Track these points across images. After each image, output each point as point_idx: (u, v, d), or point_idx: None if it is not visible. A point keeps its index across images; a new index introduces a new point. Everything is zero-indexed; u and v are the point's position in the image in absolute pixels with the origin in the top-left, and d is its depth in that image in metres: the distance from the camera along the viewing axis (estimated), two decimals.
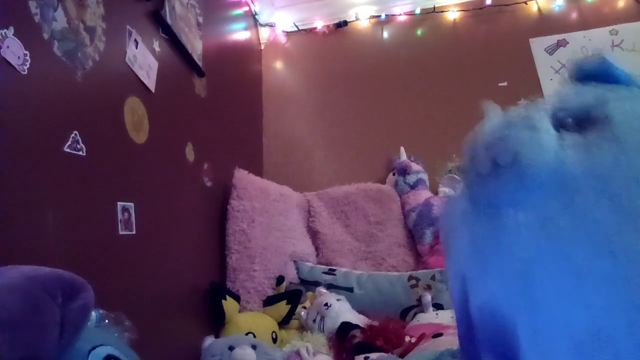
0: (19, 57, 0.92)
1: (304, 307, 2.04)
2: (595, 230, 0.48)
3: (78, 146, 1.08)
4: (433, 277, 2.04)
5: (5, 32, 0.89)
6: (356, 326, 1.75)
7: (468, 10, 2.94)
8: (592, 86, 0.60)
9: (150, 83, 1.48)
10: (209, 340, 1.60)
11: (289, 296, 1.96)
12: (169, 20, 1.63)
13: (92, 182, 1.13)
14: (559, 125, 0.57)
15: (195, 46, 1.87)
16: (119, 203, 1.23)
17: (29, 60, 0.95)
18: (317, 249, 2.50)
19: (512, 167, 0.55)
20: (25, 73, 0.94)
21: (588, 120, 0.54)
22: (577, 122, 0.55)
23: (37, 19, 0.98)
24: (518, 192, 0.54)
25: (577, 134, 0.55)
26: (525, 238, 0.52)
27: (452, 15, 2.97)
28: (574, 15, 2.84)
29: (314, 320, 1.92)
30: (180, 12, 1.74)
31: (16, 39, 0.91)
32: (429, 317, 1.83)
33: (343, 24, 3.08)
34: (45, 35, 1.01)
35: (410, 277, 2.08)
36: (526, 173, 0.54)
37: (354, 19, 3.09)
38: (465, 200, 0.63)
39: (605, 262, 0.47)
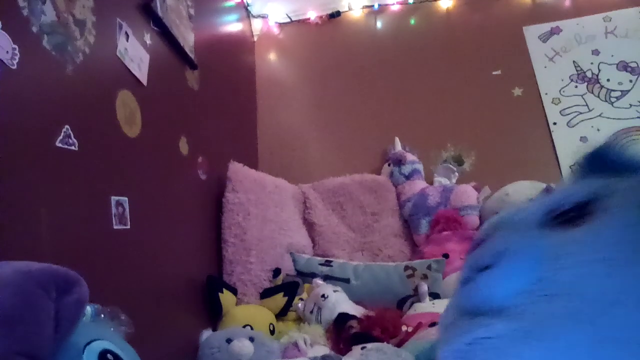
0: (7, 52, 0.91)
1: (301, 299, 2.04)
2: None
3: (70, 141, 1.07)
4: (429, 267, 2.04)
5: None
6: (353, 317, 1.76)
7: None
8: (596, 178, 0.55)
9: (142, 76, 1.47)
10: (207, 334, 1.60)
11: (286, 288, 1.97)
12: (159, 13, 1.61)
13: (85, 177, 1.12)
14: (551, 221, 0.52)
15: (187, 38, 1.86)
16: (112, 197, 1.23)
17: (18, 55, 0.94)
18: (313, 240, 2.50)
19: (493, 270, 0.50)
20: (15, 68, 0.93)
21: (584, 214, 0.49)
22: (571, 218, 0.50)
23: (25, 12, 0.97)
24: (501, 295, 0.49)
25: (570, 226, 0.50)
26: (504, 352, 0.47)
27: (446, 3, 2.95)
28: (567, 2, 2.83)
29: (311, 312, 1.92)
30: (171, 4, 1.73)
31: (4, 33, 0.90)
32: (426, 306, 1.84)
33: (336, 14, 3.07)
34: (34, 29, 1.00)
35: (407, 267, 2.08)
36: (510, 275, 0.49)
37: (347, 9, 3.07)
38: (455, 310, 0.57)
39: None
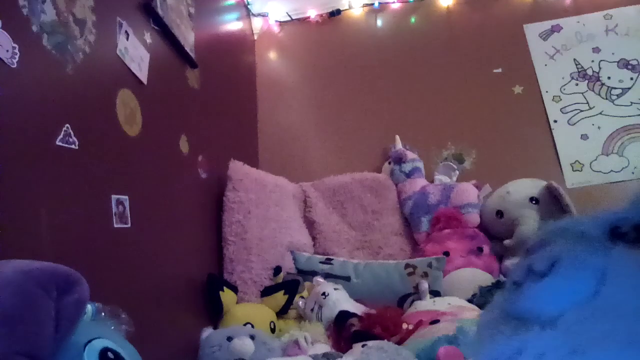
0: (7, 51, 0.91)
1: (302, 297, 2.04)
2: None
3: (70, 139, 1.08)
4: (430, 265, 2.05)
5: None
6: (354, 315, 1.76)
7: None
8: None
9: (142, 75, 1.47)
10: (207, 332, 1.60)
11: (287, 286, 1.97)
12: (160, 12, 1.61)
13: (85, 176, 1.13)
14: (618, 236, 0.48)
15: (187, 37, 1.86)
16: (113, 196, 1.23)
17: (18, 54, 0.94)
18: (313, 239, 2.50)
19: (549, 278, 0.48)
20: (15, 67, 0.93)
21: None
22: (636, 237, 0.46)
23: (25, 11, 0.97)
24: (552, 306, 0.47)
25: (631, 244, 0.47)
26: None
27: (446, 2, 2.94)
28: (568, 0, 2.82)
29: (312, 310, 1.92)
30: (171, 3, 1.73)
31: (4, 33, 0.90)
32: (426, 304, 1.84)
33: (336, 12, 3.06)
34: (34, 28, 1.00)
35: (407, 265, 2.08)
36: (564, 286, 0.46)
37: (347, 7, 3.06)
38: (500, 310, 0.56)
39: None
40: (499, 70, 2.78)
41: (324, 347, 1.66)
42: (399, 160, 2.60)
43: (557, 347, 0.43)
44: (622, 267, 0.45)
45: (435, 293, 1.96)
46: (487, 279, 2.04)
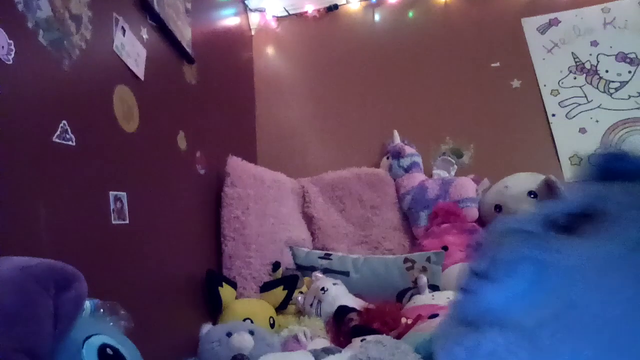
0: (3, 47, 0.90)
1: (301, 292, 2.05)
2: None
3: (67, 136, 1.07)
4: (428, 259, 2.05)
5: None
6: (353, 309, 1.76)
7: None
8: (599, 183, 0.54)
9: (139, 71, 1.47)
10: (207, 328, 1.60)
11: (286, 282, 1.97)
12: (156, 8, 1.60)
13: (83, 172, 1.12)
14: (554, 224, 0.51)
15: (184, 33, 1.85)
16: (111, 192, 1.23)
17: (14, 50, 0.93)
18: (312, 234, 2.51)
19: (490, 277, 0.50)
20: (11, 63, 0.93)
21: (586, 218, 0.48)
22: (573, 221, 0.49)
23: (20, 7, 0.96)
24: (498, 304, 0.48)
25: (567, 234, 0.49)
26: None
27: None
28: None
29: (311, 305, 1.93)
30: None
31: (0, 29, 0.90)
32: (425, 298, 1.84)
33: (334, 7, 3.05)
34: (30, 25, 0.99)
35: (406, 260, 2.09)
36: (504, 282, 0.48)
37: (344, 2, 3.05)
38: (453, 320, 0.56)
39: None
40: (497, 64, 2.78)
41: (323, 342, 1.66)
42: (397, 155, 2.60)
43: (509, 343, 0.44)
44: (561, 259, 0.45)
45: (434, 287, 1.96)
46: None
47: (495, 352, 0.45)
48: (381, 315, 1.65)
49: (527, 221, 0.52)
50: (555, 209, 0.51)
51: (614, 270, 0.43)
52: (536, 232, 0.50)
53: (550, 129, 2.62)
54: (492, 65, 2.78)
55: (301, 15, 3.10)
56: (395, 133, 2.72)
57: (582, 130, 2.59)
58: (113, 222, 1.22)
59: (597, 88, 2.64)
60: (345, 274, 2.14)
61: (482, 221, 2.37)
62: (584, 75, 2.67)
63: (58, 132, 1.04)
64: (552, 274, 0.45)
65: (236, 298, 1.88)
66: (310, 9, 3.07)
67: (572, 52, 2.72)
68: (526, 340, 0.44)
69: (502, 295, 0.48)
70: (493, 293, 0.49)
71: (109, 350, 0.74)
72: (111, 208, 1.22)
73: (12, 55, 0.93)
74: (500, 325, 0.46)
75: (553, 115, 2.64)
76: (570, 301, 0.43)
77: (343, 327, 1.70)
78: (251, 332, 1.52)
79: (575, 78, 2.68)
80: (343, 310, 1.76)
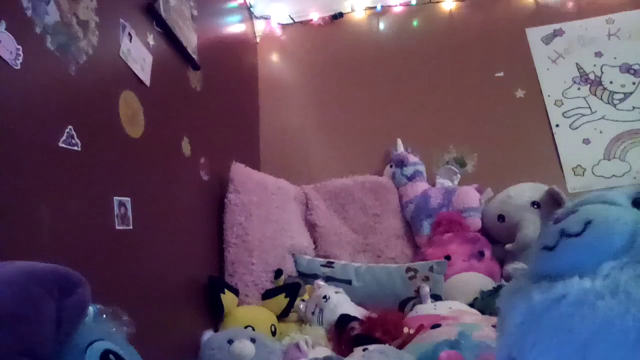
0: (11, 52, 0.91)
1: (303, 300, 2.04)
2: None
3: (73, 141, 1.08)
4: (431, 269, 2.04)
5: None
6: (355, 318, 1.75)
7: (464, 1, 2.93)
8: None
9: (145, 77, 1.47)
10: (208, 334, 1.60)
11: (288, 289, 1.96)
12: (163, 14, 1.61)
13: (87, 177, 1.13)
14: (636, 201, 0.56)
15: (190, 39, 1.86)
16: (115, 198, 1.23)
17: (22, 55, 0.94)
18: (315, 241, 2.50)
19: (584, 236, 0.54)
20: (18, 68, 0.93)
21: None
22: None
23: (29, 13, 0.97)
24: (588, 260, 0.52)
25: None
26: (591, 307, 0.50)
27: (448, 5, 2.95)
28: (570, 4, 2.83)
29: (313, 313, 1.92)
30: (174, 5, 1.73)
31: (8, 34, 0.91)
32: (427, 308, 1.84)
33: (339, 15, 3.06)
34: (38, 30, 1.00)
35: (409, 269, 2.08)
36: (600, 241, 0.53)
37: (349, 10, 3.07)
38: (527, 277, 0.61)
39: None
40: (501, 74, 2.78)
41: (324, 351, 1.66)
42: (401, 163, 2.60)
43: (597, 291, 0.48)
44: None
45: (436, 297, 1.95)
46: (488, 283, 2.03)
47: (584, 299, 0.49)
48: (383, 324, 1.64)
49: (616, 196, 0.59)
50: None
51: None
52: (626, 204, 0.56)
53: (553, 140, 2.62)
54: (496, 75, 2.78)
55: (306, 23, 3.12)
56: (399, 141, 2.72)
57: (586, 141, 2.59)
58: (117, 227, 1.22)
59: (601, 99, 2.64)
60: (348, 282, 2.14)
61: (485, 231, 2.36)
62: (588, 86, 2.68)
63: (64, 137, 1.05)
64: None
65: (238, 305, 1.88)
66: (315, 16, 3.09)
67: (577, 63, 2.72)
68: (611, 286, 0.48)
69: (594, 253, 0.53)
70: (587, 250, 0.54)
71: (111, 357, 0.73)
72: (115, 213, 1.22)
73: (20, 60, 0.93)
74: (591, 276, 0.50)
75: (557, 125, 2.64)
76: None
77: (345, 335, 1.69)
78: (252, 340, 1.52)
79: (579, 89, 2.68)
80: (345, 319, 1.76)
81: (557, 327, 0.52)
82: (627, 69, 2.64)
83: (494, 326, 1.30)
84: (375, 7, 3.04)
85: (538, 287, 0.56)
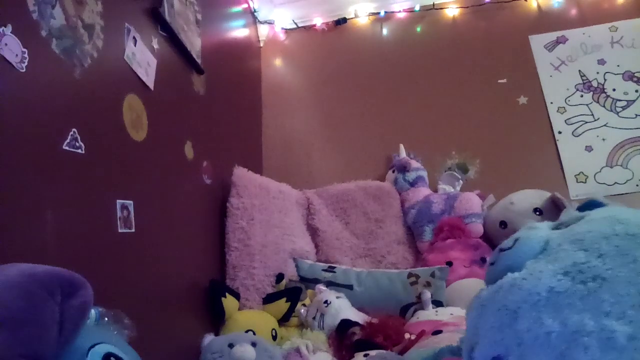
0: (17, 55, 0.92)
1: (304, 305, 2.04)
2: (569, 261, 0.72)
3: (77, 144, 1.08)
4: (433, 274, 2.04)
5: (3, 30, 0.88)
6: (356, 323, 1.75)
7: (467, 7, 2.94)
8: (578, 211, 0.91)
9: (149, 80, 1.48)
10: (209, 338, 1.60)
11: (289, 293, 1.96)
12: (167, 18, 1.62)
13: (91, 180, 1.13)
14: (556, 227, 0.85)
15: (194, 43, 1.87)
16: (118, 201, 1.23)
17: (27, 58, 0.94)
18: (316, 246, 2.50)
19: (513, 248, 0.82)
20: (24, 71, 0.94)
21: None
22: (565, 226, 0.83)
23: (35, 16, 0.98)
24: (517, 264, 0.78)
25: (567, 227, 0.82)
26: (517, 286, 0.74)
27: (452, 12, 2.96)
28: (574, 11, 2.83)
29: (314, 318, 1.92)
30: (178, 9, 1.74)
31: (14, 37, 0.91)
32: (429, 314, 1.83)
33: (342, 21, 3.08)
34: (44, 33, 1.01)
35: (410, 274, 2.08)
36: (524, 249, 0.80)
37: (353, 16, 3.08)
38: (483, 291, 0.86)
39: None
40: (504, 80, 2.79)
41: (325, 356, 1.66)
42: (403, 169, 2.60)
43: (521, 277, 0.74)
44: (553, 238, 0.78)
45: (437, 303, 1.95)
46: None
47: (513, 282, 0.74)
48: (384, 330, 1.64)
49: (542, 225, 0.87)
50: (557, 222, 0.87)
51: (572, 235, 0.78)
52: (546, 229, 0.84)
53: (556, 146, 2.62)
54: (499, 81, 2.79)
55: (310, 28, 3.13)
56: (401, 147, 2.72)
57: (588, 148, 2.59)
58: (119, 230, 1.22)
59: (604, 106, 2.64)
60: (349, 287, 2.14)
61: (486, 237, 2.36)
62: (591, 93, 2.68)
63: (68, 140, 1.05)
64: (552, 244, 0.78)
65: (239, 309, 1.88)
66: (318, 22, 3.10)
67: (579, 70, 2.73)
68: (530, 272, 0.74)
69: (520, 258, 0.78)
70: (514, 256, 0.80)
71: (113, 359, 0.74)
72: (118, 216, 1.22)
73: (26, 63, 0.94)
74: (518, 271, 0.76)
75: (559, 132, 2.64)
76: (559, 257, 0.74)
77: (345, 341, 1.69)
78: (253, 344, 1.51)
79: (582, 96, 2.68)
80: (346, 324, 1.76)
81: (496, 307, 0.74)
82: (630, 76, 2.64)
83: None
84: (378, 13, 3.05)
85: (485, 288, 0.83)
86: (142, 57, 1.45)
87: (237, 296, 1.87)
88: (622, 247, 0.69)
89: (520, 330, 0.69)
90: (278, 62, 3.15)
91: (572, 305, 0.66)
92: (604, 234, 0.72)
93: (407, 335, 1.62)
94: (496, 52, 2.84)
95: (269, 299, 1.95)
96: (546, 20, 2.84)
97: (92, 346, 0.73)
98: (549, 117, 2.68)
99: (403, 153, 2.71)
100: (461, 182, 2.62)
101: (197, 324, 1.70)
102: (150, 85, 1.48)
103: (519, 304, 0.70)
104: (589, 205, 0.93)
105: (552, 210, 2.17)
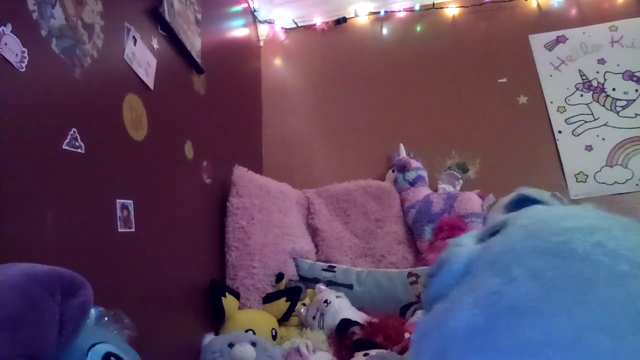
0: (17, 55, 0.92)
1: (304, 304, 2.04)
2: (483, 291, 0.64)
3: (77, 143, 1.08)
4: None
5: (3, 30, 0.88)
6: (356, 323, 1.75)
7: (467, 7, 2.94)
8: (507, 212, 0.86)
9: (149, 80, 1.48)
10: (209, 338, 1.60)
11: (289, 293, 1.96)
12: (167, 18, 1.62)
13: (91, 180, 1.13)
14: (481, 239, 0.78)
15: (194, 43, 1.87)
16: (118, 200, 1.23)
17: (27, 58, 0.94)
18: (316, 246, 2.50)
19: (437, 275, 0.76)
20: (24, 70, 0.94)
21: (496, 232, 0.75)
22: (491, 234, 0.75)
23: (35, 16, 0.98)
24: (443, 289, 0.72)
25: (487, 241, 0.75)
26: (443, 322, 0.68)
27: (452, 11, 2.96)
28: (574, 11, 2.83)
29: (314, 317, 1.92)
30: (178, 9, 1.74)
31: (14, 36, 0.91)
32: None
33: (342, 20, 3.08)
34: (43, 33, 1.01)
35: (410, 274, 2.08)
36: (445, 276, 0.74)
37: (353, 15, 3.08)
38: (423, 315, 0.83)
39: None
40: (504, 80, 2.79)
41: (325, 356, 1.66)
42: (403, 168, 2.60)
43: (443, 309, 0.68)
44: (478, 254, 0.72)
45: None
46: None
47: (434, 318, 0.70)
48: (384, 329, 1.64)
49: (467, 238, 0.81)
50: (483, 231, 0.80)
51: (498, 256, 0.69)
52: (471, 243, 0.78)
53: (556, 146, 2.62)
54: (499, 80, 2.79)
55: (309, 28, 3.13)
56: (401, 146, 2.72)
57: (588, 148, 2.59)
58: (119, 230, 1.22)
59: (604, 106, 2.64)
60: (349, 286, 2.14)
61: None
62: (591, 92, 2.68)
63: (68, 140, 1.05)
64: (474, 267, 0.71)
65: (239, 308, 1.88)
66: (318, 21, 3.10)
67: (579, 70, 2.72)
68: (451, 303, 0.68)
69: (442, 284, 0.73)
70: (436, 284, 0.76)
71: (113, 359, 0.74)
72: (118, 216, 1.22)
73: (25, 62, 0.94)
74: (442, 301, 0.70)
75: (559, 132, 2.64)
76: (480, 282, 0.66)
77: (345, 340, 1.69)
78: (253, 344, 1.52)
79: (582, 95, 2.68)
80: (346, 324, 1.76)
81: (427, 341, 0.69)
82: (630, 76, 2.64)
83: None
84: (378, 13, 3.05)
85: (423, 320, 0.77)
86: (142, 57, 1.45)
87: (237, 296, 1.87)
88: (533, 267, 0.61)
89: None
90: (278, 61, 3.15)
91: (492, 342, 0.59)
92: (515, 253, 0.65)
93: (407, 335, 1.62)
94: (496, 52, 2.84)
95: (269, 299, 1.95)
96: (546, 20, 2.84)
97: (92, 346, 0.73)
98: (548, 117, 2.68)
99: (403, 153, 2.71)
100: (461, 181, 2.62)
101: (197, 323, 1.70)
102: (150, 85, 1.48)
103: (446, 340, 0.65)
104: (518, 202, 0.87)
105: None
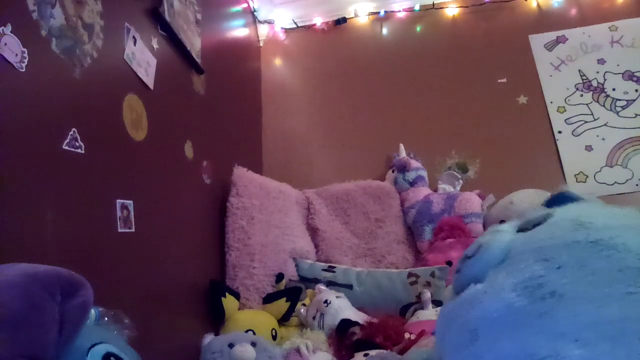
0: (16, 55, 0.91)
1: (304, 305, 2.04)
2: (526, 275, 0.67)
3: (77, 144, 1.08)
4: (432, 274, 2.04)
5: (2, 30, 0.88)
6: (356, 323, 1.75)
7: (467, 7, 2.94)
8: (546, 207, 0.84)
9: (149, 80, 1.48)
10: (209, 338, 1.60)
11: (289, 293, 1.96)
12: (167, 18, 1.62)
13: (91, 180, 1.13)
14: (521, 230, 0.79)
15: (194, 43, 1.87)
16: (118, 200, 1.23)
17: (27, 58, 0.94)
18: (316, 246, 2.50)
19: (476, 256, 0.77)
20: (24, 70, 0.94)
21: (539, 224, 0.76)
22: (533, 226, 0.77)
23: (35, 16, 0.98)
24: (480, 272, 0.74)
25: (528, 231, 0.77)
26: (478, 300, 0.71)
27: (451, 11, 2.96)
28: (573, 11, 2.84)
29: (314, 318, 1.92)
30: (178, 9, 1.74)
31: (14, 37, 0.91)
32: (429, 314, 1.83)
33: (342, 20, 3.08)
34: (43, 33, 1.00)
35: (410, 274, 2.08)
36: (485, 257, 0.75)
37: (353, 15, 3.08)
38: (450, 296, 0.83)
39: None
40: (504, 80, 2.79)
41: (325, 356, 1.65)
42: (403, 168, 2.60)
43: (482, 290, 0.71)
44: (516, 244, 0.74)
45: (437, 303, 1.95)
46: None
47: (478, 298, 0.71)
48: (384, 330, 1.64)
49: (506, 227, 0.82)
50: (525, 221, 0.81)
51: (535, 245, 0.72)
52: (510, 232, 0.80)
53: (556, 146, 2.62)
54: (499, 81, 2.79)
55: (309, 28, 3.13)
56: (401, 146, 2.72)
57: (588, 148, 2.59)
58: (119, 230, 1.22)
59: (604, 106, 2.64)
60: (349, 287, 2.13)
61: None
62: (591, 92, 2.68)
63: (68, 140, 1.05)
64: (515, 252, 0.73)
65: (239, 309, 1.88)
66: (318, 21, 3.10)
67: (579, 70, 2.73)
68: (488, 286, 0.71)
69: (482, 266, 0.75)
70: (477, 265, 0.76)
71: (113, 359, 0.74)
72: (118, 216, 1.22)
73: (25, 62, 0.94)
74: (480, 282, 0.73)
75: (559, 132, 2.64)
76: (522, 266, 0.69)
77: (345, 340, 1.69)
78: (253, 344, 1.51)
79: (582, 95, 2.68)
80: (346, 324, 1.75)
81: (458, 323, 0.72)
82: (630, 76, 2.64)
83: None
84: (378, 13, 3.05)
85: (451, 300, 0.80)
86: (142, 56, 1.45)
87: (237, 296, 1.87)
88: (582, 257, 0.64)
89: (480, 351, 0.67)
90: (278, 61, 3.15)
91: (529, 325, 0.62)
92: (564, 242, 0.68)
93: (407, 335, 1.62)
94: (496, 52, 2.84)
95: (268, 299, 1.95)
96: (546, 20, 2.84)
97: (92, 346, 0.73)
98: (548, 117, 2.68)
99: (403, 153, 2.71)
100: (461, 181, 2.62)
101: (197, 323, 1.70)
102: (150, 85, 1.48)
103: (479, 321, 0.68)
104: (558, 199, 0.90)
105: None
